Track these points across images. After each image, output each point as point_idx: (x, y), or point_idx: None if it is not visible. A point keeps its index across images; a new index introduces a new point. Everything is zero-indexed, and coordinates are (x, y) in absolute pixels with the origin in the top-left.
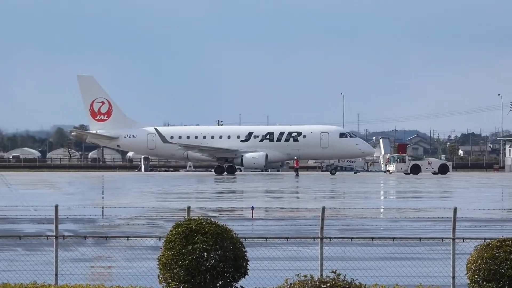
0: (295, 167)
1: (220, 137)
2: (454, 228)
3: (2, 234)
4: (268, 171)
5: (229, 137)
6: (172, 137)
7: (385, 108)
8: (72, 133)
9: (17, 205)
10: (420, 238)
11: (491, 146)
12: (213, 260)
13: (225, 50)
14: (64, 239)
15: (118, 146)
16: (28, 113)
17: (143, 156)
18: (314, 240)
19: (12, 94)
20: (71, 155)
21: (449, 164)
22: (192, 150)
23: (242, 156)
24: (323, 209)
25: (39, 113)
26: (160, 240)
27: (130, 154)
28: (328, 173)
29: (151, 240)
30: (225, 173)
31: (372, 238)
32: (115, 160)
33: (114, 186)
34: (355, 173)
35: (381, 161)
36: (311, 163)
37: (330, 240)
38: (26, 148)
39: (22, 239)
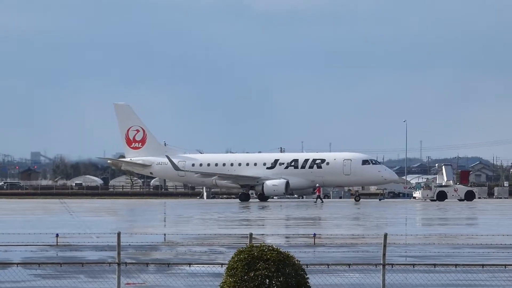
0: (318, 194)
1: (247, 164)
2: None
3: (65, 261)
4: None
5: (255, 164)
6: (201, 165)
7: (448, 135)
8: (108, 161)
9: (80, 232)
10: (483, 265)
11: None
12: (275, 287)
13: (288, 76)
14: (126, 266)
15: (151, 173)
16: (91, 141)
17: None
18: (376, 266)
19: (75, 122)
20: (133, 182)
21: (476, 190)
22: (212, 178)
23: (263, 183)
24: (385, 236)
25: (102, 140)
26: (222, 267)
27: None
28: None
29: (213, 267)
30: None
31: (435, 265)
32: (177, 187)
33: (176, 213)
34: (380, 200)
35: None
36: (373, 189)
37: (392, 267)
38: (88, 176)
39: (85, 266)
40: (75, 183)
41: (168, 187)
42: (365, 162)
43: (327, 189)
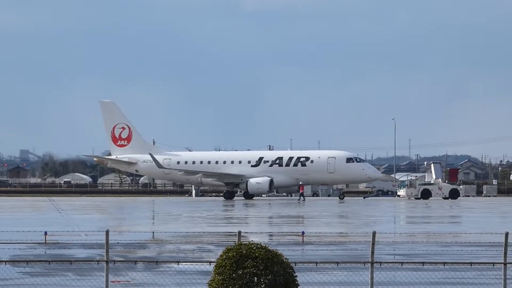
0: (301, 191)
1: (232, 162)
2: (505, 253)
3: (53, 259)
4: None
5: (240, 162)
6: (186, 162)
7: (437, 133)
8: (95, 159)
9: (68, 230)
10: (471, 263)
11: None
12: (264, 285)
13: (277, 74)
14: (114, 263)
15: (136, 171)
16: (80, 138)
17: None
18: (364, 264)
19: (65, 120)
20: (122, 180)
21: (460, 188)
22: (196, 175)
23: (247, 181)
24: (374, 234)
25: (91, 138)
26: (210, 264)
27: None
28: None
29: (201, 265)
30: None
31: (423, 263)
32: (165, 185)
33: (165, 211)
34: (364, 198)
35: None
36: (362, 187)
37: (380, 265)
38: (77, 174)
39: (73, 264)
40: (64, 181)
41: (157, 185)
42: (349, 160)
43: (316, 187)
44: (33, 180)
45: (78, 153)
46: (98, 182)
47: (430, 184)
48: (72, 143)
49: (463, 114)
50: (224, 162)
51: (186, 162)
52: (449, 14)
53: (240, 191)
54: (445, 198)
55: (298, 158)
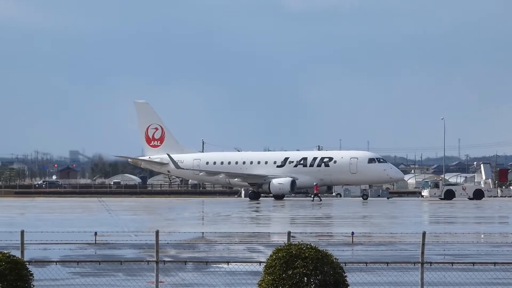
0: (315, 192)
1: (258, 162)
2: None
3: (103, 259)
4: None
5: (266, 162)
6: (215, 163)
7: (487, 133)
8: (129, 160)
9: (118, 231)
10: None
11: None
12: (313, 285)
13: (326, 74)
14: (164, 264)
15: (168, 171)
16: (129, 139)
17: None
18: (414, 265)
19: (113, 121)
20: (172, 181)
21: (484, 189)
22: (220, 176)
23: (270, 181)
24: (424, 234)
25: (140, 139)
26: (260, 265)
27: None
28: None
29: (251, 265)
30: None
31: (473, 263)
32: (215, 186)
33: (214, 211)
34: (388, 198)
35: (482, 186)
36: (411, 188)
37: (430, 265)
38: (127, 175)
39: (123, 264)
40: (114, 182)
41: (206, 185)
42: (371, 160)
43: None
44: (83, 181)
45: (128, 153)
46: (147, 183)
47: (453, 184)
48: (121, 143)
49: None
50: (251, 163)
51: (214, 163)
52: (501, 12)
53: (268, 192)
54: (470, 198)
55: (322, 158)
